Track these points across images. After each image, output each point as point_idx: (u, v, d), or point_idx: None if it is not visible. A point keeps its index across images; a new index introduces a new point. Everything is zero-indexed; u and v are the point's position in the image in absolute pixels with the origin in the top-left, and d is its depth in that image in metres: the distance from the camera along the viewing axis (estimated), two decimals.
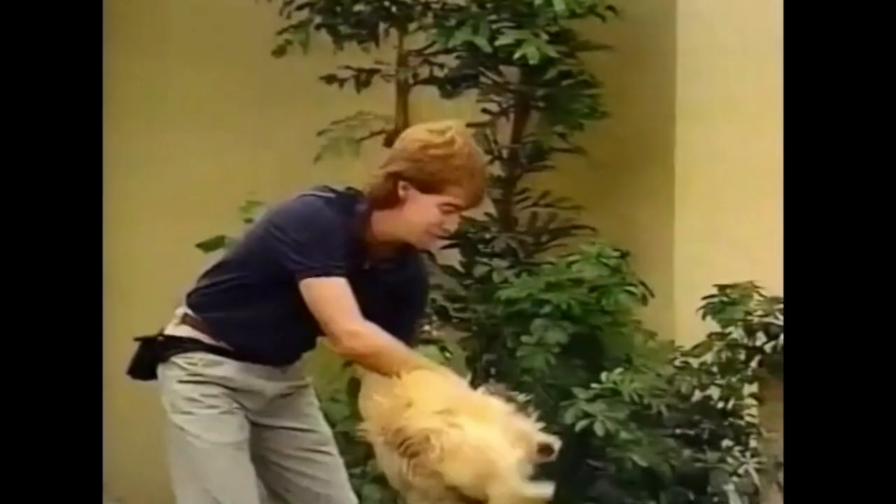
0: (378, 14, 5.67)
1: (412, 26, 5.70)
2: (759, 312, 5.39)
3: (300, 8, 5.67)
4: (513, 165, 5.76)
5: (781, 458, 5.26)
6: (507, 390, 3.36)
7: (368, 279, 3.74)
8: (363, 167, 5.62)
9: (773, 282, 5.34)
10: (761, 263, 5.49)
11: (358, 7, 5.64)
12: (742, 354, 5.42)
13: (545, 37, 5.48)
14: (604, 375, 5.22)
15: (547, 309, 5.27)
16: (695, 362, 5.43)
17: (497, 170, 5.76)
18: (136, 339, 3.87)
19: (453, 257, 5.75)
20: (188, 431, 3.75)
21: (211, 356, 3.76)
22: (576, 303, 5.26)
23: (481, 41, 5.50)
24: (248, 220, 5.45)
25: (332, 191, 3.76)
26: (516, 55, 5.48)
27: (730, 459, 5.32)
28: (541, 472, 5.27)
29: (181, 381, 3.76)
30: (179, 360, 3.77)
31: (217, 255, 5.41)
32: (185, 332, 3.79)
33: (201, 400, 3.75)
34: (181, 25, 5.97)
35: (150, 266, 5.81)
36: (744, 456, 5.33)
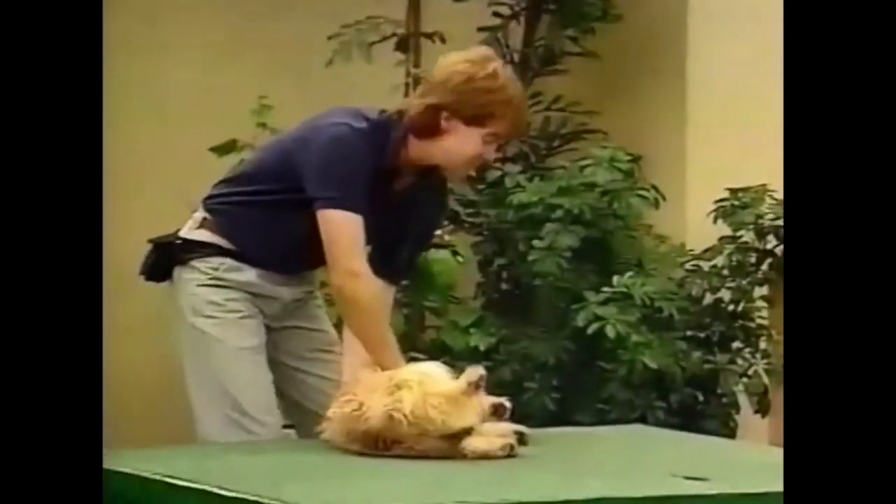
0: None
1: None
2: (771, 216, 5.34)
3: None
4: (524, 69, 5.69)
5: None
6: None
7: (392, 202, 3.72)
8: (374, 71, 5.55)
9: (782, 184, 5.28)
10: (773, 167, 5.43)
11: None
12: (753, 257, 5.38)
13: None
14: (615, 279, 5.18)
15: (559, 213, 5.24)
16: (706, 265, 5.39)
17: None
18: (151, 241, 3.82)
19: None
20: (210, 335, 3.72)
21: (231, 261, 3.73)
22: (587, 207, 5.24)
23: None
24: (261, 124, 5.37)
25: (367, 119, 3.68)
26: None
27: (739, 361, 5.31)
28: (553, 379, 5.26)
29: (202, 285, 3.73)
30: (199, 263, 3.74)
31: (230, 162, 5.34)
32: (205, 236, 3.75)
33: (224, 304, 3.72)
34: None
35: (158, 169, 5.75)
36: (754, 357, 5.32)
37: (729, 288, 5.34)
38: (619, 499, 2.98)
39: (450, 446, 3.25)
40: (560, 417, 5.03)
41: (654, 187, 5.37)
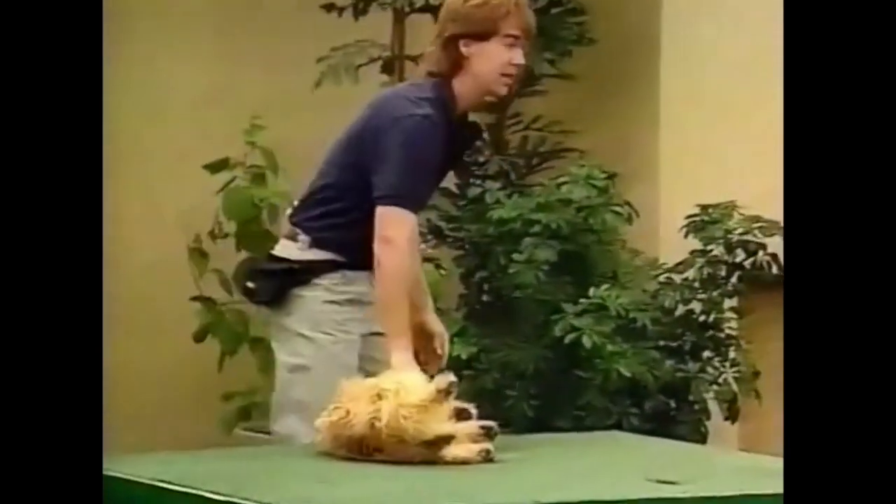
0: None
1: None
2: (739, 230, 5.34)
3: None
4: None
5: (757, 368, 5.25)
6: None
7: (459, 151, 3.84)
8: (361, 89, 5.54)
9: (750, 201, 5.28)
10: (740, 184, 5.44)
11: None
12: (723, 270, 5.37)
13: None
14: (591, 291, 5.17)
15: (537, 228, 5.23)
16: (678, 278, 5.38)
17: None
18: (258, 269, 3.85)
19: (448, 179, 5.67)
20: (329, 351, 3.75)
21: (344, 273, 3.78)
22: (565, 222, 5.22)
23: None
24: (251, 143, 5.36)
25: (424, 98, 3.73)
26: None
27: (710, 369, 5.29)
28: (532, 387, 5.25)
29: (327, 301, 3.77)
30: (322, 280, 3.75)
31: (223, 178, 5.31)
32: (319, 255, 3.76)
33: (343, 323, 3.76)
34: None
35: (149, 184, 5.74)
36: (723, 366, 5.30)
37: (700, 300, 5.32)
38: (595, 502, 2.96)
39: (430, 452, 3.24)
40: (539, 424, 5.01)
41: (629, 203, 5.36)
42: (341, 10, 5.59)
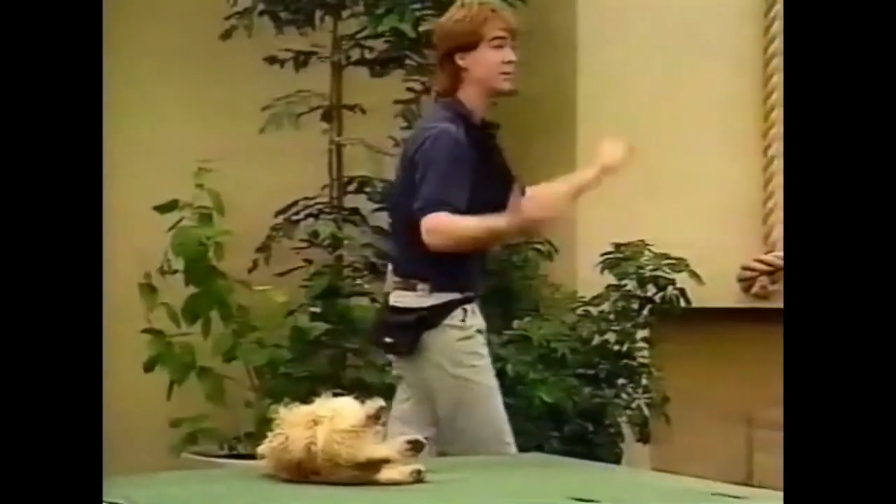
0: (314, 3, 5.59)
1: (345, 13, 5.63)
2: (650, 266, 5.38)
3: None
4: None
5: (667, 394, 5.28)
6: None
7: (490, 150, 3.94)
8: (302, 136, 5.56)
9: (659, 239, 5.32)
10: (650, 223, 5.48)
11: None
12: (635, 303, 5.40)
13: None
14: (515, 323, 5.20)
15: None
16: (594, 311, 5.40)
17: None
18: (397, 323, 3.89)
19: (383, 219, 5.70)
20: (473, 380, 3.87)
21: (467, 307, 3.89)
22: (491, 259, 5.23)
23: (406, 27, 5.46)
24: (198, 185, 5.35)
25: (439, 117, 3.88)
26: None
27: (623, 395, 5.32)
28: None
29: (460, 339, 3.86)
30: (451, 321, 3.84)
31: (173, 218, 5.27)
32: (441, 297, 3.84)
33: (479, 352, 3.89)
34: (147, 19, 5.83)
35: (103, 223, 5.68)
36: (636, 392, 5.33)
37: (614, 331, 5.36)
38: None
39: (363, 474, 3.24)
40: None
41: (549, 242, 5.40)
42: (283, 62, 5.60)
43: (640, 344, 5.40)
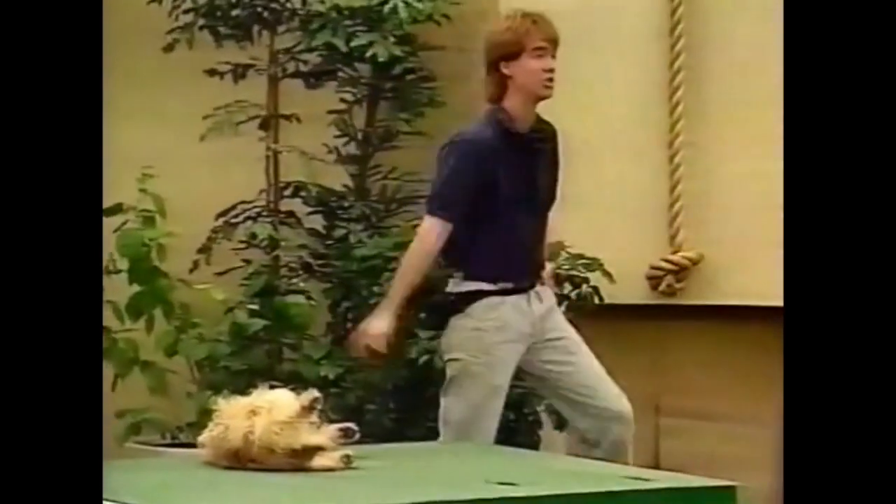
0: (252, 18, 5.58)
1: (281, 28, 5.62)
2: (566, 266, 5.39)
3: (186, 12, 5.55)
4: (366, 145, 5.73)
5: None
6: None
7: (532, 155, 4.02)
8: (241, 143, 5.55)
9: (575, 241, 5.35)
10: (567, 227, 5.50)
11: (235, 12, 5.55)
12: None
13: (392, 39, 5.46)
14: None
15: (394, 265, 5.21)
16: None
17: (353, 149, 5.71)
18: (430, 304, 4.06)
19: (317, 222, 5.71)
20: (471, 371, 3.93)
21: (493, 300, 3.95)
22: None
23: (339, 42, 5.46)
24: (142, 190, 5.32)
25: (476, 125, 4.05)
26: (368, 54, 5.44)
27: None
28: (391, 402, 5.26)
29: (473, 329, 3.95)
30: (472, 310, 3.94)
31: (116, 221, 5.24)
32: (470, 286, 3.99)
33: (489, 348, 3.93)
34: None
35: None
36: None
37: None
38: (440, 503, 2.99)
39: (298, 461, 3.25)
40: (396, 435, 5.02)
41: None
42: (223, 74, 5.58)
43: None
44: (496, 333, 3.95)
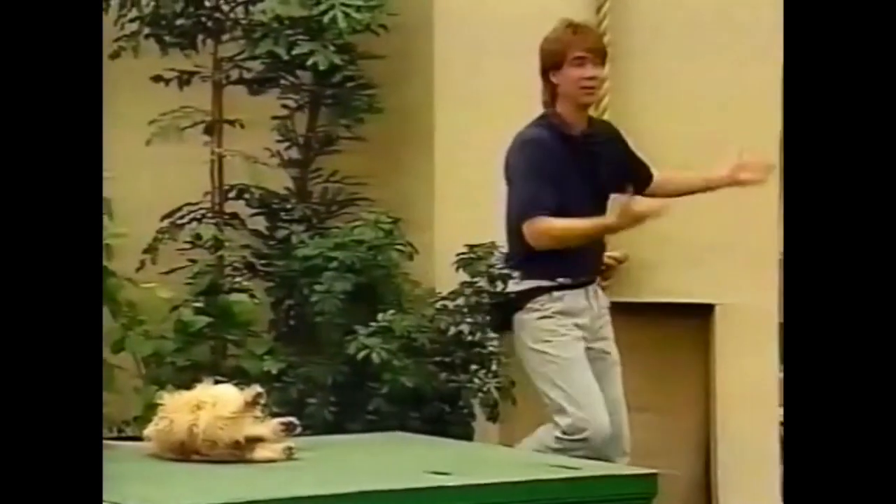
0: (196, 27, 5.56)
1: (225, 37, 5.60)
2: (499, 265, 5.41)
3: (132, 21, 5.53)
4: (308, 150, 5.72)
5: (514, 379, 5.34)
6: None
7: (589, 156, 4.15)
8: (186, 148, 5.52)
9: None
10: (500, 227, 5.53)
11: (180, 21, 5.53)
12: (486, 298, 5.44)
13: (332, 48, 5.44)
14: (380, 316, 5.20)
15: (335, 264, 5.24)
16: (451, 305, 5.43)
17: (295, 153, 5.69)
18: (493, 304, 4.43)
19: (260, 223, 5.70)
20: (549, 353, 4.15)
21: (553, 294, 4.17)
22: (358, 259, 5.25)
23: (281, 50, 5.44)
24: None
25: (532, 126, 4.17)
26: (309, 62, 5.43)
27: (476, 380, 5.34)
28: (331, 396, 5.26)
29: (539, 318, 4.19)
30: (534, 304, 4.17)
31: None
32: (529, 284, 4.22)
33: (557, 329, 4.17)
34: None
35: None
36: (487, 377, 5.35)
37: (468, 322, 5.37)
38: (378, 492, 3.00)
39: (241, 453, 3.25)
40: (336, 427, 5.02)
41: (410, 243, 5.41)
42: (168, 81, 5.55)
43: (491, 335, 5.43)
44: (561, 318, 4.15)
